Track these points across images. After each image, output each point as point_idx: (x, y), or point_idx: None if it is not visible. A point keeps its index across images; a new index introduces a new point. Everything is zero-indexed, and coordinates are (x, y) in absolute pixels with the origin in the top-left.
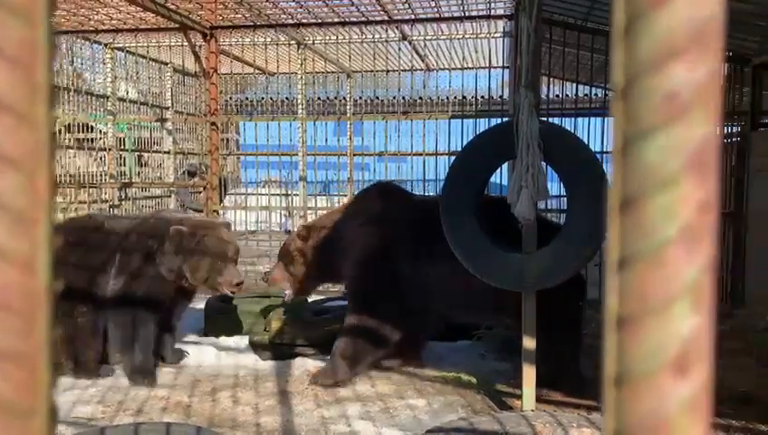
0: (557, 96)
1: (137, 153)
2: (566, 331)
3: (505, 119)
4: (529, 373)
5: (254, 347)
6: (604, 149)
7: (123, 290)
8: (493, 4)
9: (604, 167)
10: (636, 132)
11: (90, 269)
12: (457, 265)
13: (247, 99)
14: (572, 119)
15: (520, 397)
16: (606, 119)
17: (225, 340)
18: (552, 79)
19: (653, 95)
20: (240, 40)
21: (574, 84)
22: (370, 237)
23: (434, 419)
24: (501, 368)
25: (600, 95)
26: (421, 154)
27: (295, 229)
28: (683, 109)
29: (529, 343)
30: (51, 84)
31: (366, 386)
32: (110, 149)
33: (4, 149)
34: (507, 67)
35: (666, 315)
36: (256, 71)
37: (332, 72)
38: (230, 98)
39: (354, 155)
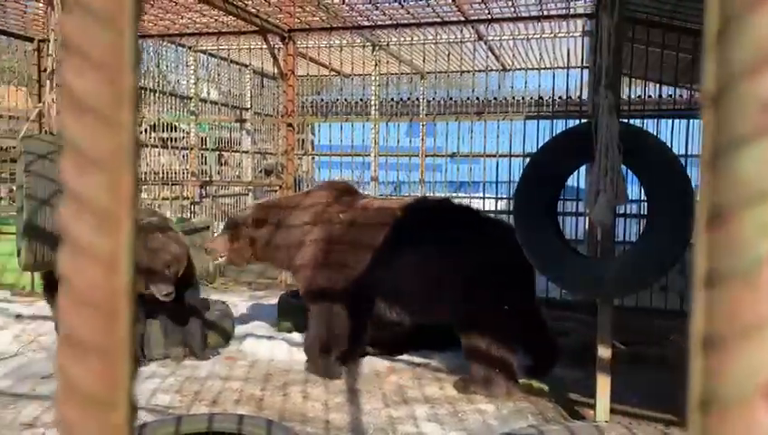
0: (639, 97)
1: (217, 152)
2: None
3: (583, 120)
4: (603, 383)
5: None
6: (688, 153)
7: None
8: (572, 3)
9: (688, 170)
10: (728, 142)
11: None
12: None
13: (323, 100)
14: (655, 120)
15: (593, 407)
16: (691, 121)
17: (297, 336)
18: (633, 79)
19: (748, 103)
20: (316, 42)
21: (657, 85)
22: (320, 243)
23: (503, 425)
24: (574, 376)
25: (684, 96)
26: (495, 156)
27: (250, 210)
28: None
29: (604, 351)
30: (135, 89)
31: (434, 388)
32: (192, 148)
33: (89, 150)
34: (586, 67)
35: (759, 338)
36: (332, 72)
37: (406, 74)
38: (306, 99)
39: (426, 156)
